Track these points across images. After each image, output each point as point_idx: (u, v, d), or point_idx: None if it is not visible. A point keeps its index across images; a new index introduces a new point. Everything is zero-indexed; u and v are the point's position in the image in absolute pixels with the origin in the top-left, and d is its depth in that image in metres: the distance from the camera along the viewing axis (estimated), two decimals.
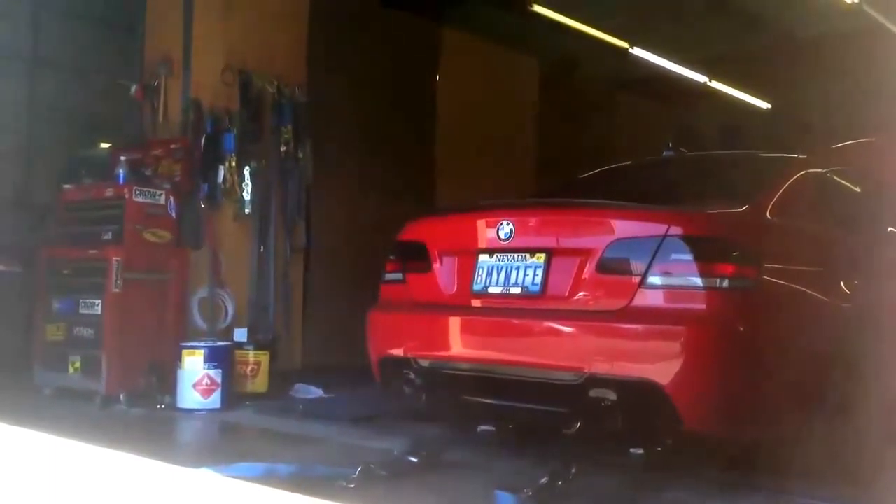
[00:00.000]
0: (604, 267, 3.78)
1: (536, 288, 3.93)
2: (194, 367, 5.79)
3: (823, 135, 8.10)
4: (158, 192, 6.24)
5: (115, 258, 5.91)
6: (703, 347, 3.59)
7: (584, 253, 3.84)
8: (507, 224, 4.04)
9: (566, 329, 3.89)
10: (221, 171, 6.64)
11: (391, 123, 8.79)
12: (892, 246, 4.60)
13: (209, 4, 6.94)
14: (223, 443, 5.36)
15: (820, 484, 3.73)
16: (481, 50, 10.07)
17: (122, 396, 5.87)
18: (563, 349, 3.86)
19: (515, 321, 4.04)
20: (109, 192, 6.21)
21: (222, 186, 6.66)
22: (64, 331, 6.15)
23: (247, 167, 6.77)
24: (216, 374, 5.80)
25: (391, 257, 4.59)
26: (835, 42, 9.61)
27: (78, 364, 6.02)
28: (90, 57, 7.48)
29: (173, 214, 6.31)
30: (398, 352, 4.33)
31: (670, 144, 5.27)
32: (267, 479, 3.68)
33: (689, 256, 3.61)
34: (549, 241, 4.01)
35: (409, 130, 9.21)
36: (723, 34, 10.19)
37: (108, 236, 6.09)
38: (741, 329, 3.61)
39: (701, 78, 11.90)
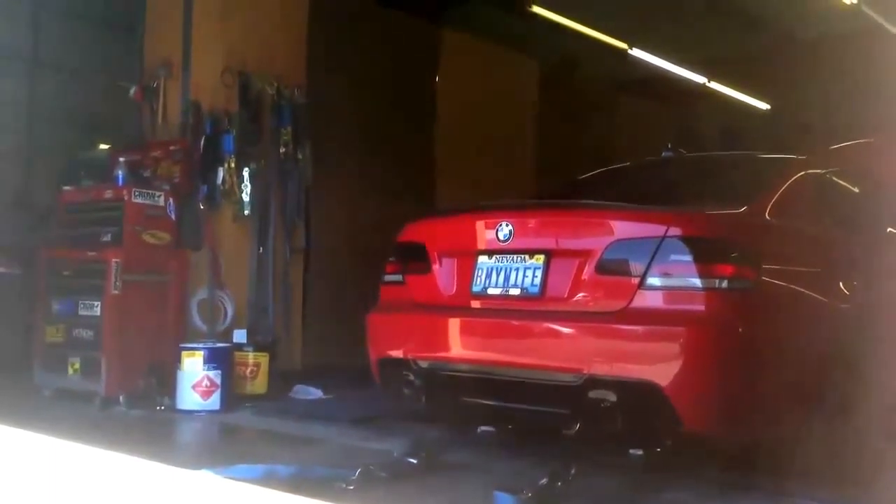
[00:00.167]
0: (603, 268, 3.78)
1: (536, 289, 3.92)
2: (194, 368, 5.79)
3: (823, 135, 8.10)
4: (158, 193, 6.24)
5: (114, 260, 5.91)
6: (702, 348, 3.58)
7: (584, 254, 3.84)
8: (507, 225, 4.04)
9: (565, 330, 3.89)
10: (221, 173, 6.63)
11: (391, 124, 8.78)
12: (891, 246, 4.60)
13: (209, 5, 6.93)
14: (223, 444, 5.36)
15: (820, 484, 3.72)
16: (481, 50, 10.07)
17: (121, 398, 5.86)
18: (563, 350, 3.87)
19: (515, 322, 4.03)
20: (109, 194, 6.21)
21: (221, 188, 6.65)
22: (63, 332, 6.14)
23: (246, 168, 6.76)
24: (216, 376, 5.80)
25: (391, 258, 4.59)
26: (834, 43, 9.64)
27: (77, 365, 6.01)
28: (90, 58, 7.50)
29: (172, 216, 6.30)
30: (398, 353, 4.33)
31: (669, 145, 5.27)
32: (266, 480, 3.67)
33: (688, 257, 3.61)
34: (549, 243, 4.01)
35: (409, 131, 9.20)
36: (722, 35, 10.20)
37: (108, 238, 6.08)
38: (740, 330, 3.60)
39: (700, 79, 11.91)
